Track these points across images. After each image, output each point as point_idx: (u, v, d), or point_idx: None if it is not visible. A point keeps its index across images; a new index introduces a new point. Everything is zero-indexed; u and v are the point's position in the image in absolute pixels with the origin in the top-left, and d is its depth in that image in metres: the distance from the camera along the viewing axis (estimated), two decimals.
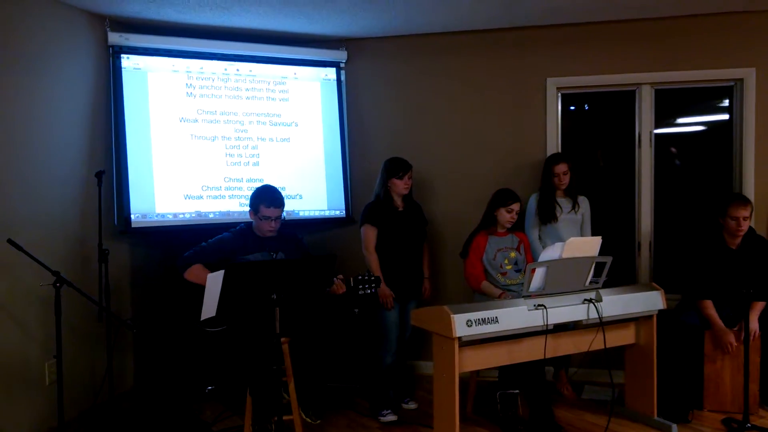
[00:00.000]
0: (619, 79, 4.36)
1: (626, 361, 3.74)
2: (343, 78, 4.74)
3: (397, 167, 3.83)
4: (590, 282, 3.39)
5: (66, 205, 3.74)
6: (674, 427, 3.47)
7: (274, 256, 3.39)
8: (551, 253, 3.24)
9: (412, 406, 3.97)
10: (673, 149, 4.49)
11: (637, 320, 3.61)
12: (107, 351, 3.61)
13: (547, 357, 3.26)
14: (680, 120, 4.55)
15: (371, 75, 4.73)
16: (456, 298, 4.41)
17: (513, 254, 3.84)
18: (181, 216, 4.18)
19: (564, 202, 4.05)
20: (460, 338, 2.97)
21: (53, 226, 3.64)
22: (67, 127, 3.76)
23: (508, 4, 3.91)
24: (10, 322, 3.35)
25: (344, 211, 4.71)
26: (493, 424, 3.68)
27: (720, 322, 3.69)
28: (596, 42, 4.35)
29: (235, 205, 4.33)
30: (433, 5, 3.89)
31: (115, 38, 4.04)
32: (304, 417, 3.61)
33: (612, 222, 4.45)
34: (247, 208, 3.46)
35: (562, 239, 3.76)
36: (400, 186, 3.82)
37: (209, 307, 2.79)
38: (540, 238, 4.05)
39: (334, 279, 3.22)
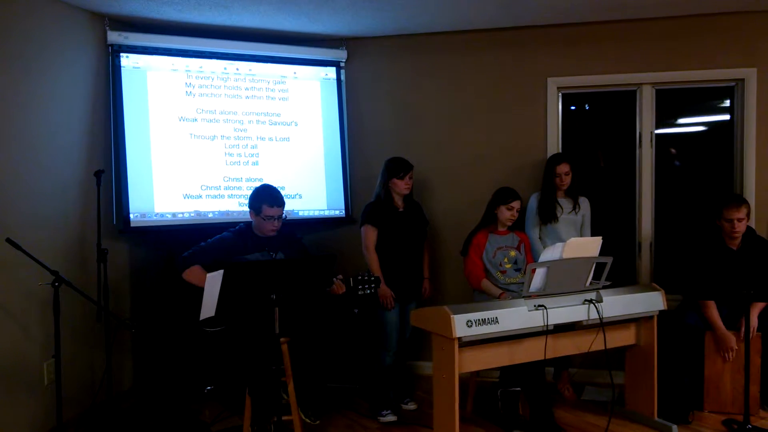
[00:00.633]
0: (619, 79, 4.35)
1: (627, 361, 3.73)
2: (343, 77, 4.73)
3: (398, 167, 3.82)
4: (591, 284, 3.38)
5: (65, 204, 3.73)
6: (674, 427, 3.47)
7: (273, 256, 3.38)
8: (551, 253, 3.23)
9: (411, 406, 3.97)
10: (673, 150, 4.48)
11: (638, 321, 3.60)
12: (106, 351, 3.60)
13: (547, 358, 3.25)
14: (681, 120, 4.55)
15: (371, 74, 4.72)
16: (456, 299, 4.40)
17: (513, 253, 3.83)
18: (180, 215, 4.17)
19: (565, 203, 4.05)
20: (460, 339, 2.97)
21: (52, 225, 3.63)
22: (66, 126, 3.75)
23: (508, 4, 3.90)
24: (9, 322, 3.34)
25: (344, 211, 4.70)
26: (493, 424, 3.68)
27: (723, 327, 3.67)
28: (597, 42, 4.34)
29: (235, 205, 4.32)
30: (434, 5, 3.88)
31: (114, 37, 4.03)
32: (303, 417, 3.59)
33: (612, 222, 4.44)
34: (246, 208, 3.45)
35: (562, 239, 3.76)
36: (401, 186, 3.81)
37: (208, 307, 2.79)
38: (540, 237, 4.05)
39: (334, 279, 3.21)
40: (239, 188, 4.34)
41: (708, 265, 3.78)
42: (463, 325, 2.95)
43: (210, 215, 4.26)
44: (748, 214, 3.73)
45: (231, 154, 4.34)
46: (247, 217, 3.47)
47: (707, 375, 3.75)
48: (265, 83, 4.49)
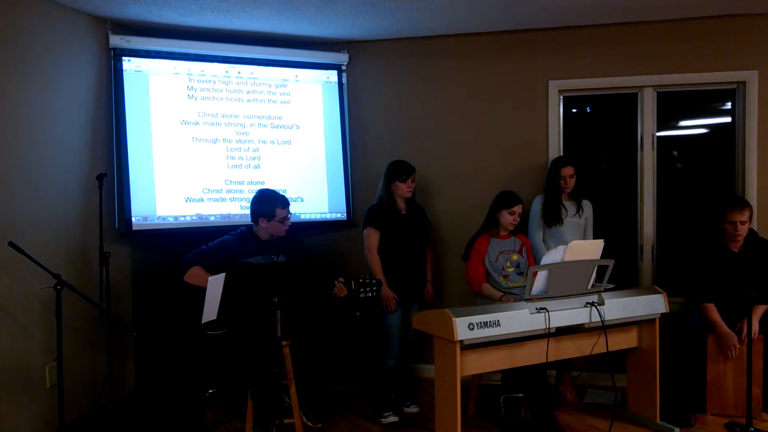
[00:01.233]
0: (621, 81, 4.35)
1: (629, 364, 3.72)
2: (344, 80, 4.74)
3: (400, 170, 3.82)
4: (592, 287, 3.37)
5: (67, 207, 3.74)
6: (677, 430, 3.46)
7: (275, 259, 3.38)
8: (553, 256, 3.23)
9: (413, 409, 3.96)
10: (675, 152, 4.48)
11: (640, 324, 3.59)
12: (108, 354, 3.61)
13: (549, 360, 3.25)
14: (683, 123, 4.55)
15: (373, 77, 4.73)
16: (458, 302, 4.41)
17: (515, 257, 3.83)
18: (181, 219, 4.18)
19: (569, 205, 4.04)
20: (461, 341, 2.97)
21: (54, 228, 3.63)
22: (68, 130, 3.76)
23: (509, 7, 3.90)
24: (11, 325, 3.34)
25: (345, 214, 4.70)
26: (495, 427, 3.67)
27: (724, 325, 3.67)
28: (598, 44, 4.35)
29: (236, 208, 4.33)
30: (435, 8, 3.89)
31: (116, 41, 4.04)
32: (305, 420, 3.59)
33: (614, 225, 4.44)
34: (248, 211, 3.45)
35: (566, 242, 3.75)
36: (404, 189, 3.82)
37: (210, 310, 2.79)
38: (544, 240, 4.04)
39: (336, 282, 3.22)
40: (241, 191, 4.34)
41: (709, 268, 3.77)
42: (464, 328, 2.95)
43: (212, 218, 4.26)
44: (750, 217, 3.73)
45: (233, 158, 4.35)
46: (249, 221, 3.48)
47: (709, 378, 3.74)
48: (266, 86, 4.50)
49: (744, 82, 4.20)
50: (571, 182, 4.00)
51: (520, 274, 3.80)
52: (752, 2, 3.91)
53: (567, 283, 3.26)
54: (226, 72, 4.38)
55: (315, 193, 4.60)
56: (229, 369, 4.04)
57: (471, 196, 4.48)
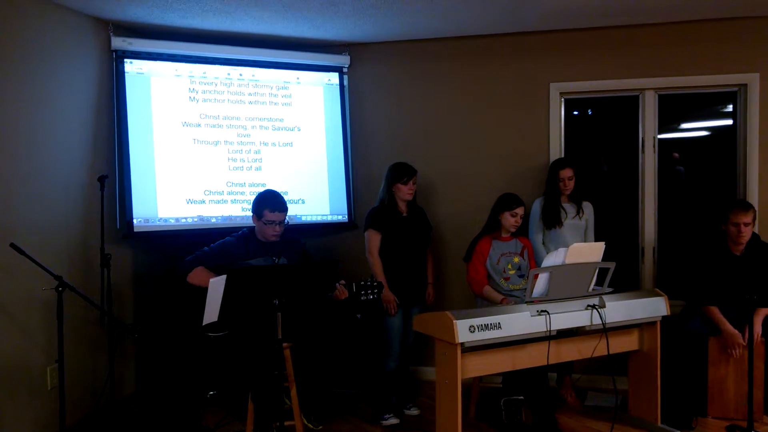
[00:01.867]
0: (622, 84, 4.35)
1: (630, 367, 3.72)
2: (345, 83, 4.74)
3: (401, 172, 3.82)
4: (593, 290, 3.37)
5: (69, 209, 3.74)
6: None
7: (276, 261, 3.38)
8: (554, 258, 3.23)
9: (414, 412, 3.96)
10: (676, 155, 4.48)
11: (641, 326, 3.59)
12: (109, 355, 3.61)
13: (550, 363, 3.25)
14: (684, 125, 4.54)
15: (374, 80, 4.73)
16: (459, 304, 4.40)
17: (516, 259, 3.83)
18: (183, 220, 4.18)
19: (569, 207, 4.04)
20: (462, 344, 2.97)
21: (56, 230, 3.64)
22: (70, 132, 3.76)
23: (511, 10, 3.91)
24: (13, 326, 3.35)
25: (347, 216, 4.70)
26: (495, 430, 3.67)
27: (729, 324, 3.65)
28: (599, 47, 4.35)
29: (238, 210, 4.33)
30: (437, 11, 3.89)
31: (118, 43, 4.05)
32: (306, 423, 3.59)
33: (616, 227, 4.44)
34: (250, 213, 3.46)
35: (566, 244, 3.75)
36: (405, 191, 3.82)
37: (211, 312, 2.79)
38: (544, 243, 4.04)
39: (337, 284, 3.22)
40: (242, 193, 4.35)
41: (711, 271, 3.77)
42: (465, 330, 2.95)
43: (213, 220, 4.27)
44: (754, 220, 3.73)
45: (234, 159, 4.35)
46: (250, 222, 3.48)
47: (711, 381, 3.74)
48: (268, 89, 4.50)
49: (745, 85, 4.20)
50: (570, 184, 4.01)
51: (522, 276, 3.80)
52: (754, 5, 3.91)
53: (568, 285, 3.25)
54: (228, 74, 4.39)
55: (316, 195, 4.61)
56: (229, 371, 4.04)
57: (472, 198, 4.48)
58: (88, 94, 3.93)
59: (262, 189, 3.64)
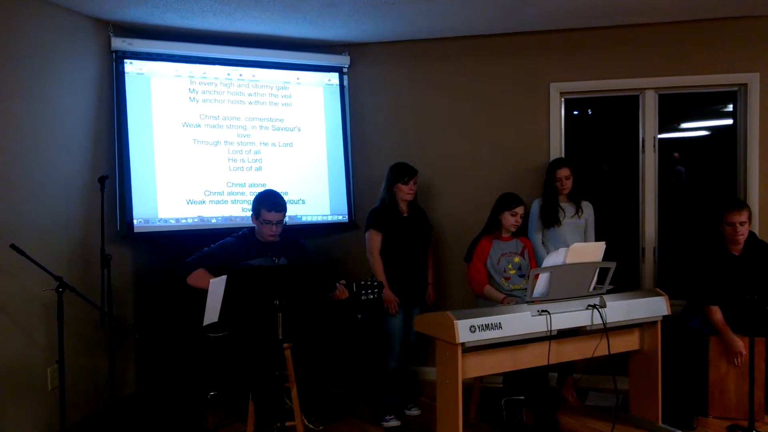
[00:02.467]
0: (622, 84, 4.35)
1: (631, 367, 3.72)
2: (346, 83, 4.74)
3: (402, 172, 3.82)
4: (594, 290, 3.37)
5: (69, 210, 3.74)
6: None
7: (276, 261, 3.38)
8: (555, 258, 3.23)
9: (415, 412, 3.96)
10: (676, 154, 4.48)
11: (642, 326, 3.59)
12: (109, 356, 3.61)
13: (551, 363, 3.24)
14: (684, 125, 4.54)
15: (374, 80, 4.73)
16: (459, 304, 4.40)
17: (517, 259, 3.83)
18: (183, 221, 4.18)
19: (567, 207, 4.05)
20: (463, 344, 2.96)
21: (56, 231, 3.64)
22: (70, 132, 3.76)
23: (511, 10, 3.90)
24: (13, 327, 3.35)
25: (347, 216, 4.70)
26: (496, 430, 3.67)
27: (730, 331, 3.65)
28: (600, 47, 4.35)
29: (238, 210, 4.33)
30: (436, 11, 3.89)
31: (118, 43, 4.05)
32: (306, 423, 3.59)
33: (616, 227, 4.43)
34: (250, 213, 3.46)
35: (565, 244, 3.76)
36: (405, 191, 3.82)
37: (212, 313, 2.79)
38: (543, 242, 4.04)
39: (337, 284, 3.21)
40: (242, 194, 4.35)
41: (711, 271, 3.77)
42: (466, 330, 2.95)
43: (213, 221, 4.27)
44: (749, 218, 3.72)
45: (234, 160, 4.35)
46: (250, 223, 3.48)
47: (712, 380, 3.74)
48: (268, 89, 4.50)
49: (745, 84, 4.20)
50: (568, 184, 4.01)
51: (522, 276, 3.80)
52: (754, 4, 3.91)
53: (569, 285, 3.25)
54: (228, 74, 4.39)
55: (316, 195, 4.60)
56: (230, 371, 4.04)
57: (473, 198, 4.48)
58: (89, 95, 3.92)
59: (262, 189, 3.63)
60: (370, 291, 3.23)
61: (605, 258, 3.33)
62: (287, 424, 3.02)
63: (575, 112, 4.59)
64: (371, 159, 4.68)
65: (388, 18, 4.05)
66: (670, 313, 3.54)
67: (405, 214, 3.89)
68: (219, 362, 4.05)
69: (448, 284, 4.56)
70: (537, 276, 3.17)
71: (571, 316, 3.24)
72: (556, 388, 4.19)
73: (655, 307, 3.50)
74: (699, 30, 4.20)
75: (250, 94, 4.44)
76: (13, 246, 2.96)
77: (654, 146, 4.37)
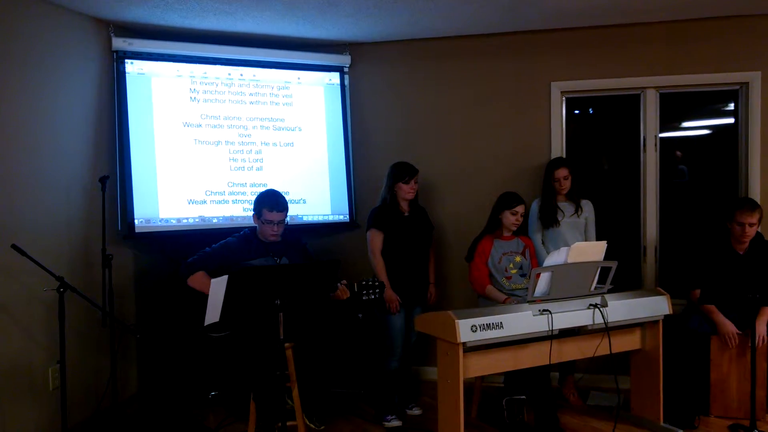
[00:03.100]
0: (623, 82, 4.34)
1: (632, 366, 3.72)
2: (346, 82, 4.74)
3: (403, 172, 3.82)
4: (595, 289, 3.37)
5: (70, 210, 3.74)
6: None
7: (277, 261, 3.38)
8: (556, 257, 3.23)
9: (416, 412, 3.96)
10: (678, 153, 4.47)
11: (643, 325, 3.59)
12: (111, 356, 3.61)
13: (552, 362, 3.24)
14: (685, 124, 4.54)
15: (375, 79, 4.73)
16: (461, 304, 4.40)
17: (518, 258, 3.83)
18: (184, 221, 4.18)
19: (566, 206, 4.04)
20: (464, 344, 2.96)
21: (57, 231, 3.64)
22: (71, 132, 3.76)
23: (511, 9, 3.90)
24: (14, 327, 3.35)
25: (348, 216, 4.70)
26: (497, 429, 3.66)
27: (722, 316, 3.66)
28: (601, 46, 4.34)
29: (239, 210, 4.33)
30: (437, 10, 3.89)
31: (119, 43, 4.05)
32: (308, 423, 3.59)
33: (617, 226, 4.43)
34: (251, 213, 3.46)
35: (565, 243, 3.76)
36: (407, 190, 3.82)
37: (213, 313, 2.79)
38: (543, 242, 4.04)
39: (338, 284, 3.21)
40: (243, 194, 4.35)
41: (714, 269, 3.76)
42: (467, 330, 2.95)
43: (214, 221, 4.27)
44: (759, 220, 3.72)
45: (235, 160, 4.35)
46: (252, 223, 3.48)
47: (713, 380, 3.73)
48: (269, 89, 4.50)
49: (747, 83, 4.19)
50: (566, 183, 4.00)
51: (524, 276, 3.80)
52: (755, 3, 3.90)
53: (570, 284, 3.25)
54: (229, 74, 4.39)
55: (317, 194, 4.60)
56: (231, 371, 4.04)
57: (473, 197, 4.48)
58: (89, 95, 3.92)
59: (263, 189, 3.63)
60: (371, 291, 3.23)
61: (606, 257, 3.33)
62: (288, 423, 3.02)
63: (576, 111, 4.59)
64: (372, 158, 4.68)
65: (389, 17, 4.05)
66: (671, 312, 3.53)
67: (406, 214, 3.89)
68: (220, 362, 4.05)
69: (450, 284, 4.56)
70: (538, 275, 3.17)
71: (573, 315, 3.23)
72: (558, 387, 4.19)
73: (656, 306, 3.49)
74: (700, 28, 4.19)
75: (251, 94, 4.44)
76: (14, 246, 2.96)
77: (655, 145, 4.37)
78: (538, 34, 4.42)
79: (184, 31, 4.23)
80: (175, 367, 4.13)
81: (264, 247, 3.41)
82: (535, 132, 4.47)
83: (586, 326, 3.28)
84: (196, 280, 3.25)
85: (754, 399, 3.43)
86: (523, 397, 3.57)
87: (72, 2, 3.65)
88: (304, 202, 4.53)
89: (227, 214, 4.31)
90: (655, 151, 4.37)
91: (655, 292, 3.57)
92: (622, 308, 3.37)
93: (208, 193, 4.26)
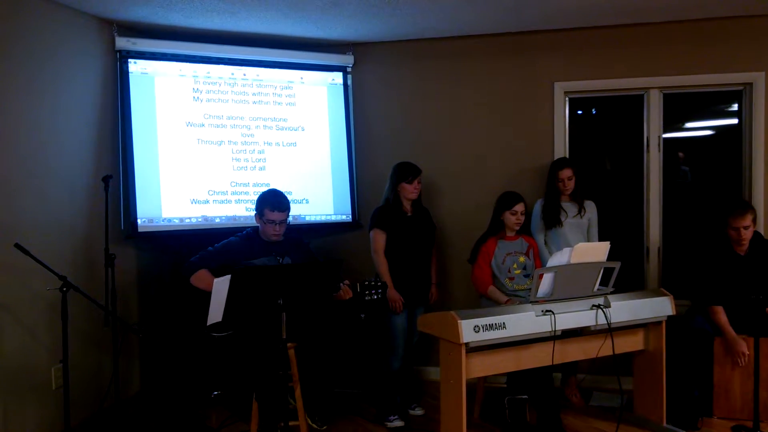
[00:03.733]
0: (627, 83, 4.34)
1: (635, 367, 3.71)
2: (349, 82, 4.74)
3: (406, 172, 3.82)
4: (598, 290, 3.36)
5: (73, 209, 3.75)
6: None
7: (280, 261, 3.38)
8: (559, 258, 3.22)
9: (418, 412, 3.95)
10: (681, 154, 4.46)
11: (646, 326, 3.58)
12: (113, 355, 3.61)
13: (554, 363, 3.24)
14: (689, 124, 4.53)
15: (378, 79, 4.73)
16: (463, 304, 4.39)
17: (522, 259, 3.82)
18: (187, 220, 4.19)
19: (569, 207, 4.03)
20: (467, 344, 2.96)
21: (60, 230, 3.64)
22: (74, 132, 3.77)
23: (515, 9, 3.90)
24: (17, 327, 3.35)
25: (351, 216, 4.70)
26: (500, 429, 3.66)
27: (732, 331, 3.65)
28: (604, 46, 4.33)
29: (242, 210, 4.33)
30: (440, 10, 3.89)
31: (122, 43, 4.06)
32: (310, 423, 3.59)
33: (621, 227, 4.42)
34: (254, 213, 3.46)
35: (568, 244, 3.76)
36: (410, 190, 3.81)
37: (215, 312, 2.79)
38: (546, 242, 4.04)
39: (341, 284, 3.21)
40: (246, 193, 4.35)
41: (716, 271, 3.76)
42: (470, 330, 2.94)
43: (217, 220, 4.27)
44: (754, 220, 3.71)
45: (238, 159, 4.35)
46: (254, 222, 3.48)
47: (716, 381, 3.72)
48: (272, 88, 4.50)
49: (751, 84, 4.18)
50: (570, 184, 4.00)
51: (527, 276, 3.79)
52: (759, 4, 3.89)
53: (573, 285, 3.24)
54: (232, 74, 4.39)
55: (320, 194, 4.60)
56: (234, 371, 4.04)
57: (476, 197, 4.47)
58: (92, 94, 3.93)
59: (266, 189, 3.63)
60: (374, 291, 3.23)
61: (610, 258, 3.33)
62: (291, 423, 3.03)
63: (579, 112, 4.58)
64: (375, 158, 4.68)
65: (392, 17, 4.04)
66: (674, 313, 3.52)
67: (409, 214, 3.88)
68: (223, 362, 4.05)
69: (452, 284, 4.56)
70: (541, 276, 3.17)
71: (576, 316, 3.23)
72: (560, 388, 4.18)
73: (659, 307, 3.49)
74: (704, 29, 4.18)
75: (254, 94, 4.44)
76: (17, 245, 2.96)
77: (659, 146, 4.36)
78: (542, 35, 4.41)
79: (187, 31, 4.23)
80: (178, 367, 4.13)
81: (266, 246, 3.41)
82: (538, 132, 4.47)
83: (589, 327, 3.28)
84: (199, 278, 3.25)
85: (758, 400, 3.41)
86: (526, 396, 3.56)
87: (75, 2, 3.65)
88: (307, 201, 4.53)
89: (230, 213, 4.31)
90: (659, 151, 4.36)
91: (658, 293, 3.56)
92: (625, 309, 3.36)
93: (210, 192, 4.26)
